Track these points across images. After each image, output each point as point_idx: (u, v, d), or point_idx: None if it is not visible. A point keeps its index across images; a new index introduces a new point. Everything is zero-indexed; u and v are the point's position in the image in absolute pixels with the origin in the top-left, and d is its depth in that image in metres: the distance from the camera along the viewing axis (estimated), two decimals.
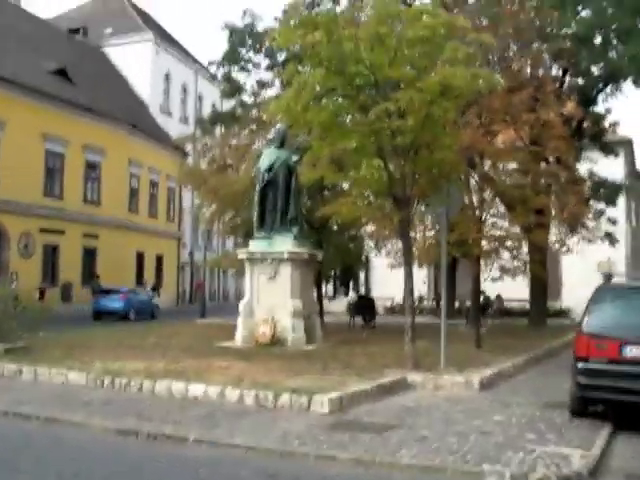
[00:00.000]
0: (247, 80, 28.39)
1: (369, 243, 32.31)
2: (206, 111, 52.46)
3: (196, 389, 11.75)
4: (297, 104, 13.62)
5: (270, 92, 27.16)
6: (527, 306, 38.10)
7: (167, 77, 59.80)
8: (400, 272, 44.22)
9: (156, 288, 49.33)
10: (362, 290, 51.19)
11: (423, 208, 18.89)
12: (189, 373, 13.15)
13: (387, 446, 8.76)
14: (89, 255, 43.96)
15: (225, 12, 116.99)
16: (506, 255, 21.49)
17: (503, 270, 21.33)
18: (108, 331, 23.45)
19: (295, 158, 20.09)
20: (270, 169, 19.78)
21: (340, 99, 14.27)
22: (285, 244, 19.50)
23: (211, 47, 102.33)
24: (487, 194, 19.49)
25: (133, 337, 21.09)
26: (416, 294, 47.40)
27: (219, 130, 30.50)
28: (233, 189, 24.00)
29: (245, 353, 16.92)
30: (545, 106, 20.99)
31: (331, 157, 16.34)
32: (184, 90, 62.88)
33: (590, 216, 27.03)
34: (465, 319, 29.20)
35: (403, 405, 11.75)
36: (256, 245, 19.83)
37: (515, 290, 36.51)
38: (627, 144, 44.84)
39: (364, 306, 28.06)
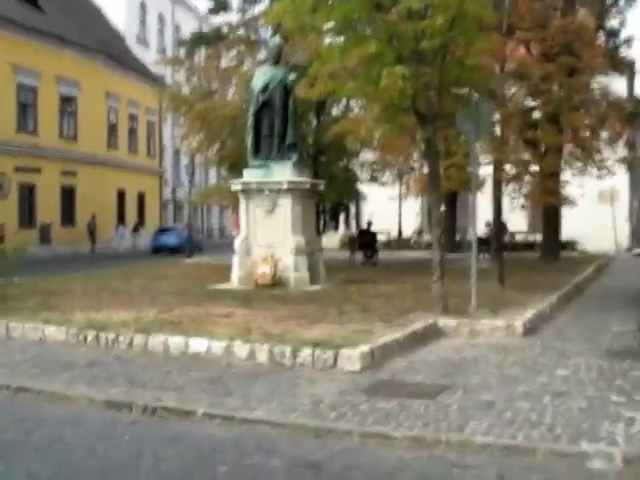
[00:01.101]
0: None
1: (365, 173, 30.32)
2: None
3: (197, 344, 9.81)
4: (303, 3, 11.49)
5: (259, 8, 24.73)
6: (530, 238, 36.64)
7: (142, 6, 56.81)
8: (395, 205, 42.58)
9: (138, 228, 47.22)
10: (353, 224, 49.51)
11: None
12: (186, 324, 11.23)
13: (448, 417, 6.91)
14: (68, 194, 41.64)
15: None
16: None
17: (527, 197, 19.40)
18: (89, 274, 21.44)
19: (293, 76, 17.94)
20: (265, 89, 17.65)
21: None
22: (284, 173, 17.49)
23: None
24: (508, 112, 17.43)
25: (117, 280, 19.10)
26: (412, 227, 46.07)
27: (203, 53, 27.99)
28: (223, 113, 21.79)
29: (245, 296, 15.03)
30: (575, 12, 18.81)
31: (340, 68, 14.21)
32: (161, 20, 59.97)
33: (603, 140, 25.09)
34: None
35: (444, 357, 9.92)
36: (251, 175, 17.79)
37: (513, 222, 34.67)
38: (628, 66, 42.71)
39: (366, 241, 26.14)
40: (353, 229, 47.63)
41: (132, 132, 49.99)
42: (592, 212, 38.55)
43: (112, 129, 47.09)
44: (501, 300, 14.39)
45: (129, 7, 54.01)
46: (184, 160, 59.95)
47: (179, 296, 15.10)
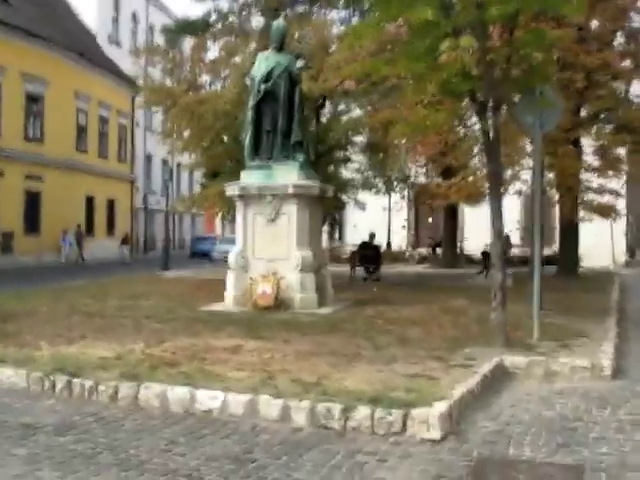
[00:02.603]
0: None
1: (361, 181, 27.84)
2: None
3: (208, 399, 7.16)
4: None
5: None
6: (529, 252, 34.25)
7: (116, 4, 53.89)
8: (379, 216, 39.97)
9: (126, 241, 44.00)
10: (337, 236, 47.11)
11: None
12: (184, 364, 8.58)
13: None
14: (32, 200, 38.50)
15: None
16: None
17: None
18: (57, 289, 18.74)
19: (300, 64, 15.47)
20: (268, 78, 15.09)
21: None
22: (289, 176, 14.95)
23: None
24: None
25: (90, 298, 16.37)
26: (399, 239, 43.70)
27: (185, 45, 25.30)
28: (214, 107, 19.18)
29: (247, 322, 12.44)
30: None
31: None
32: (134, 19, 57.12)
33: None
34: (483, 269, 25.02)
35: (536, 414, 7.40)
36: (251, 177, 15.21)
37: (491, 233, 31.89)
38: None
39: (369, 255, 23.55)
40: (337, 241, 45.15)
41: (102, 136, 46.98)
42: (590, 225, 36.47)
43: (81, 132, 44.11)
44: (554, 328, 11.97)
45: (101, 4, 51.12)
46: (156, 167, 57.42)
47: (167, 321, 12.44)
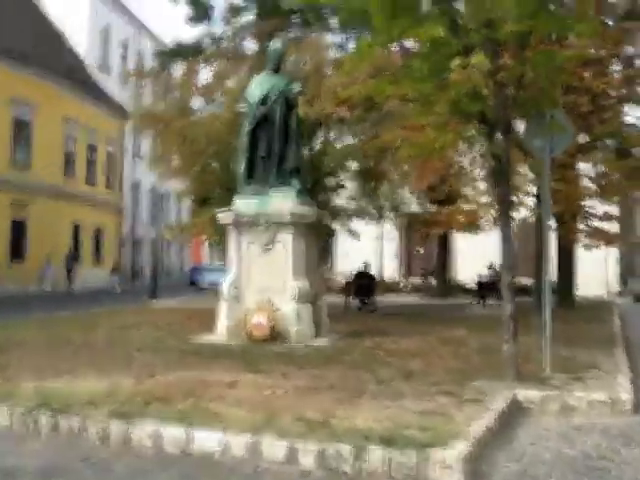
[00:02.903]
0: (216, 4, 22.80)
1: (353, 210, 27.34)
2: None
3: (206, 440, 6.61)
4: None
5: (245, 18, 21.80)
6: (521, 282, 33.80)
7: (106, 31, 53.58)
8: (369, 245, 39.34)
9: (117, 269, 42.86)
10: (330, 263, 46.53)
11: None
12: (178, 400, 8.00)
13: None
14: (17, 227, 37.71)
15: None
16: None
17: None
18: (44, 320, 18.11)
19: (297, 87, 15.04)
20: (263, 102, 14.63)
21: None
22: (285, 202, 14.41)
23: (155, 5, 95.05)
24: None
25: (78, 329, 15.74)
26: (391, 269, 43.18)
27: (174, 69, 24.84)
28: (208, 130, 18.72)
29: (242, 354, 11.87)
30: None
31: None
32: (124, 47, 56.80)
33: None
34: (479, 298, 24.58)
35: (558, 453, 6.92)
36: (245, 204, 14.66)
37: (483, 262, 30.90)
38: None
39: (364, 285, 22.98)
40: (327, 270, 44.56)
41: (90, 163, 46.25)
42: (583, 256, 36.11)
43: (69, 158, 43.46)
44: (565, 360, 11.49)
45: (91, 31, 50.75)
46: (144, 194, 56.84)
47: (159, 353, 11.86)
